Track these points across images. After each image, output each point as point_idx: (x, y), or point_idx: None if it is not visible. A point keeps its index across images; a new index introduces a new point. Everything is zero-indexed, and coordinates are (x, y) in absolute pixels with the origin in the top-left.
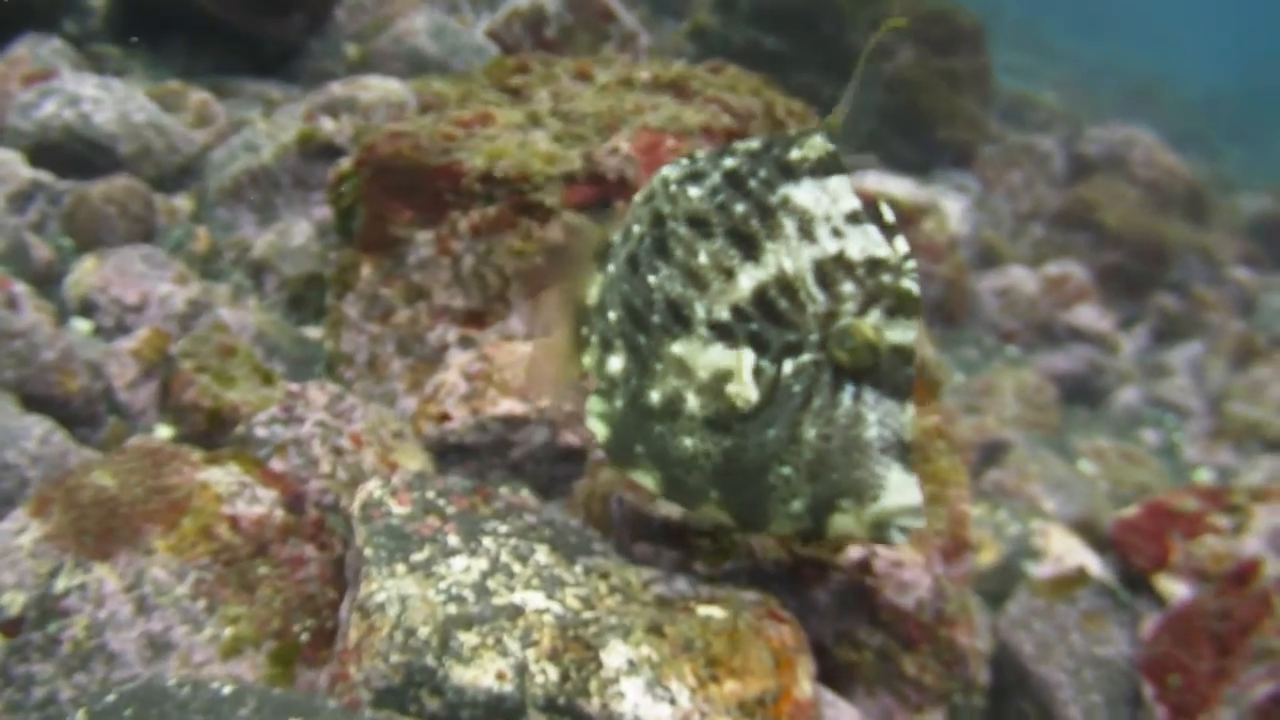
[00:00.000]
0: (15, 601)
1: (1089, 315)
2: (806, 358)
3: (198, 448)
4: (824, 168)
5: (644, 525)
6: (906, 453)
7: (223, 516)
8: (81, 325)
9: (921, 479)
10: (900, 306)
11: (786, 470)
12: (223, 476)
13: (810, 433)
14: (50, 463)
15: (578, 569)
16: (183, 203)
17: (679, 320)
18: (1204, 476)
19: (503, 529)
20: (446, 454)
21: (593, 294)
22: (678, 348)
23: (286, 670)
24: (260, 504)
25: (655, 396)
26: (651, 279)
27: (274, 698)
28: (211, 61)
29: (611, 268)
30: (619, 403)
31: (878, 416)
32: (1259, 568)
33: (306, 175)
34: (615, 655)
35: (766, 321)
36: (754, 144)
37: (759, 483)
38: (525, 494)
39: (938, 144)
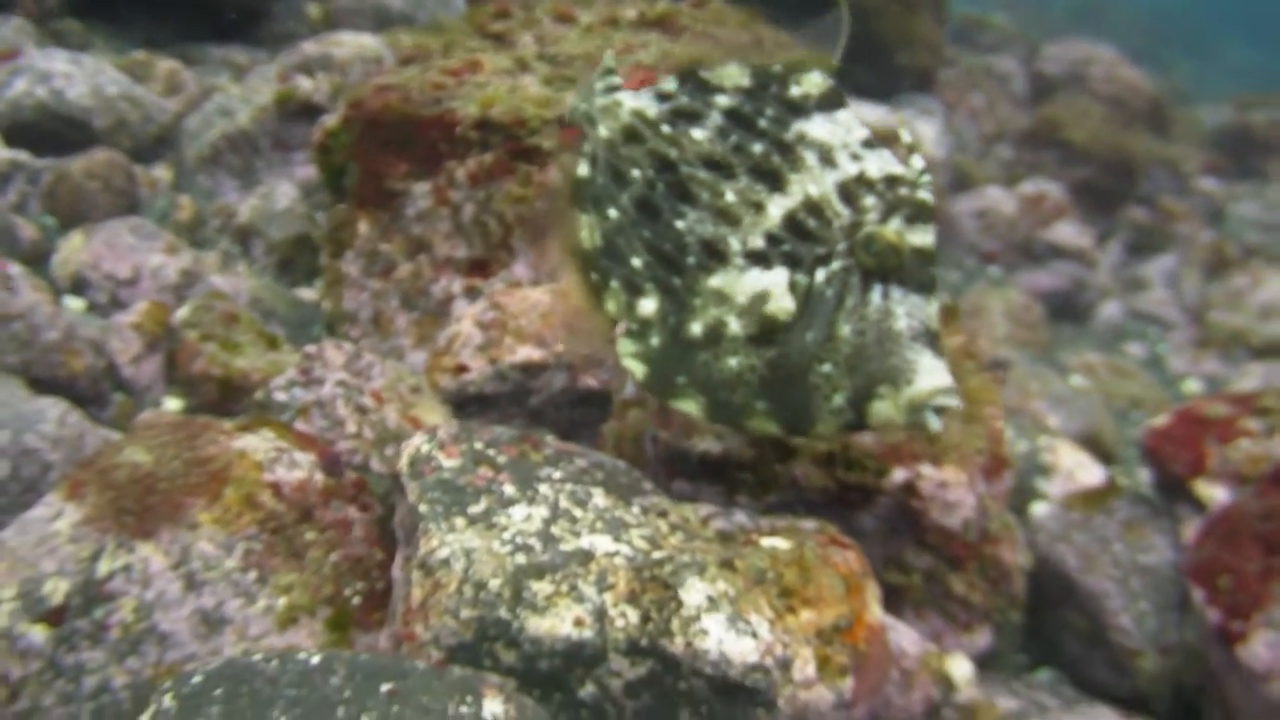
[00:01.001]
0: (58, 589)
1: (1068, 232)
2: (836, 265)
3: (213, 417)
4: (829, 102)
5: (682, 462)
6: (935, 340)
7: (264, 484)
8: (74, 303)
9: None
10: (918, 214)
11: (827, 368)
12: (259, 444)
13: (845, 329)
14: (70, 444)
15: (635, 509)
16: (162, 172)
17: (715, 256)
18: (1192, 386)
19: (556, 474)
20: (465, 405)
21: (586, 238)
22: (715, 280)
23: (343, 636)
24: (300, 468)
25: (697, 328)
26: (680, 224)
27: (363, 664)
28: (173, 30)
29: (613, 213)
30: (655, 340)
31: (905, 310)
32: None
33: (286, 136)
34: (694, 593)
35: (798, 240)
36: (741, 79)
37: (803, 384)
38: (550, 438)
39: (897, 69)
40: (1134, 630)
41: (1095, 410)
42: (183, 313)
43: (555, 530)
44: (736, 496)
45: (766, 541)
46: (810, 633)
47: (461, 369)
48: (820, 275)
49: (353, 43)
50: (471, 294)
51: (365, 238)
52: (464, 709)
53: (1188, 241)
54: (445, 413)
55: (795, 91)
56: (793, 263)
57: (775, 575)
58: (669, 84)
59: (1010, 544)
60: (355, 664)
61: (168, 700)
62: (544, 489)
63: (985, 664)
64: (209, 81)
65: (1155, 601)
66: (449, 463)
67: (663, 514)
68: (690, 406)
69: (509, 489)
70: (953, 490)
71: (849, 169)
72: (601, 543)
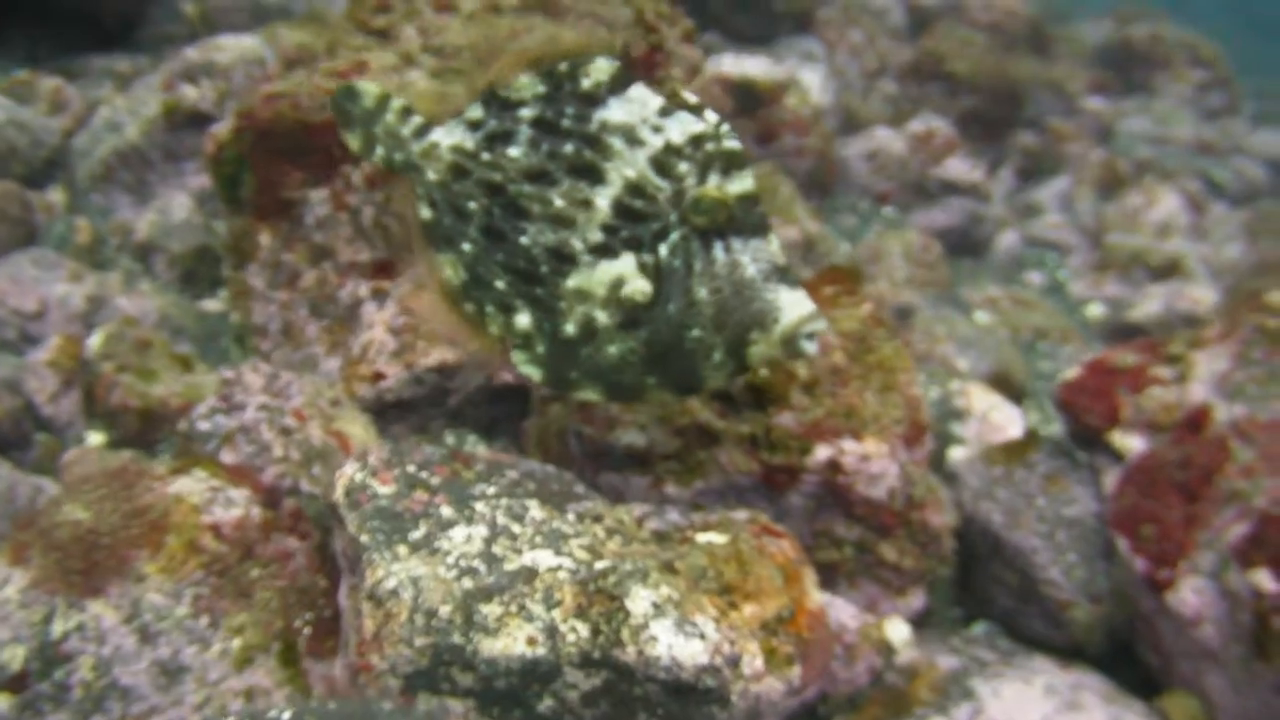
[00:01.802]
0: (16, 656)
1: (960, 167)
2: (675, 236)
3: (135, 450)
4: (619, 84)
5: (607, 455)
6: (786, 274)
7: (204, 527)
8: None
9: (869, 369)
10: (731, 163)
11: (696, 332)
12: (193, 485)
13: (702, 292)
14: (3, 499)
15: (570, 517)
16: (56, 196)
17: (563, 259)
18: (1095, 310)
19: (490, 490)
20: (385, 412)
21: (451, 275)
22: (571, 282)
23: (296, 670)
24: (237, 506)
25: (571, 329)
26: (524, 240)
27: (332, 713)
28: (52, 45)
29: (466, 246)
30: (540, 348)
31: (750, 256)
32: (1209, 413)
33: (176, 147)
34: (640, 601)
35: (631, 224)
36: (536, 88)
37: (680, 352)
38: (474, 440)
39: (776, 14)
40: (1064, 582)
41: (1002, 348)
42: (95, 344)
43: (496, 549)
44: (664, 486)
45: (702, 538)
46: (755, 626)
47: (379, 376)
48: (663, 250)
49: (234, 46)
50: (379, 296)
51: (267, 249)
52: None
53: (1079, 162)
54: (366, 421)
55: (586, 83)
56: (635, 246)
57: (715, 573)
58: (475, 111)
59: (936, 507)
60: (325, 715)
61: None
62: (480, 507)
63: (921, 623)
64: (93, 95)
65: (1082, 552)
66: (384, 490)
67: (598, 519)
68: (590, 394)
69: (446, 510)
70: (876, 462)
71: (654, 142)
72: (543, 558)
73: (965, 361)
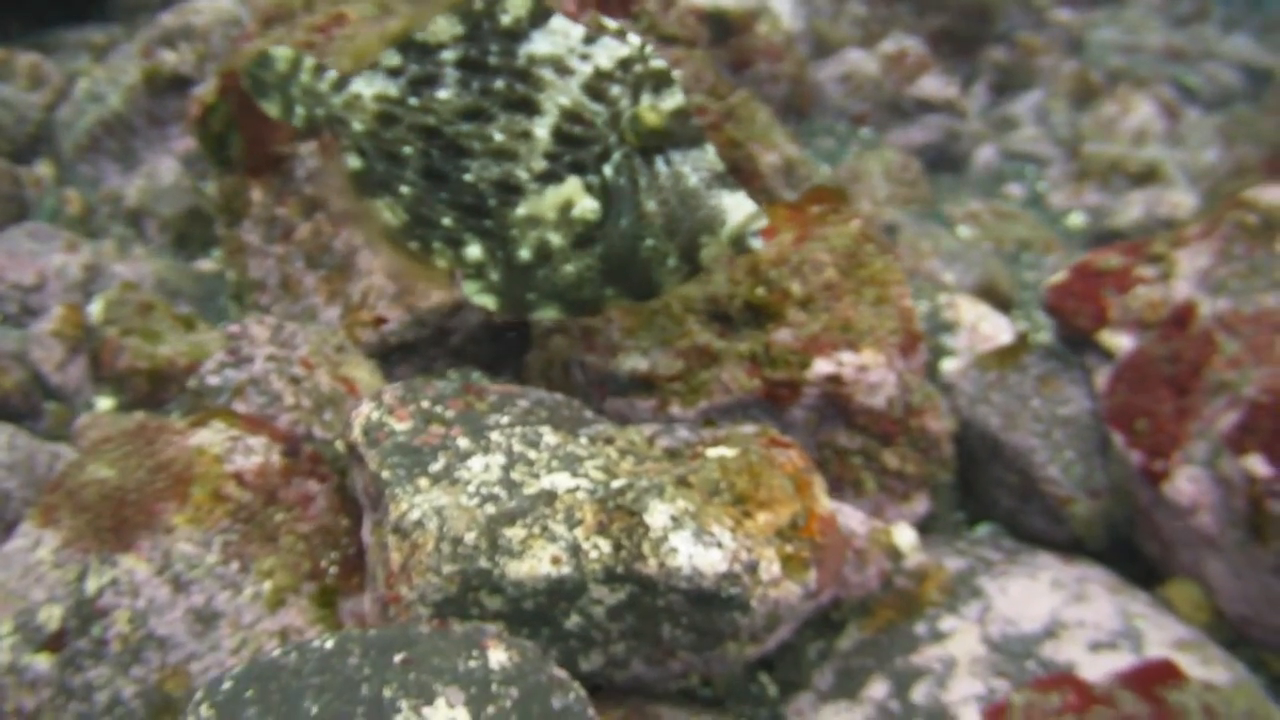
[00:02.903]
0: (53, 615)
1: (933, 85)
2: (617, 156)
3: (145, 411)
4: (538, 17)
5: (611, 382)
6: (726, 178)
7: (227, 476)
8: None
9: (861, 283)
10: (660, 81)
11: (650, 242)
12: (213, 437)
13: (650, 205)
14: (23, 468)
15: (583, 440)
16: (44, 169)
17: (510, 190)
18: (1076, 220)
19: (504, 420)
20: (389, 355)
21: (391, 217)
22: (521, 210)
23: (331, 610)
24: (256, 453)
25: (525, 254)
26: (468, 177)
27: (373, 639)
28: (24, 20)
29: (404, 189)
30: (494, 275)
31: (690, 166)
32: (1194, 308)
33: (159, 112)
34: (658, 515)
35: (572, 149)
36: (454, 29)
37: (637, 262)
38: (477, 376)
39: None
40: (1063, 479)
41: (987, 260)
42: (97, 310)
43: (515, 476)
44: (670, 408)
45: (713, 452)
46: (770, 534)
47: (380, 320)
48: (608, 170)
49: (209, 8)
50: None
51: (260, 204)
52: (473, 663)
53: (1051, 74)
54: (371, 366)
55: (505, 19)
56: (579, 169)
57: (728, 485)
58: (392, 58)
59: (934, 413)
60: (367, 641)
61: (204, 710)
62: (495, 436)
63: (926, 527)
64: (70, 67)
65: (1078, 449)
66: (401, 426)
67: (610, 441)
68: (550, 313)
69: (463, 442)
70: (873, 372)
71: (584, 69)
72: (561, 480)
73: (952, 275)
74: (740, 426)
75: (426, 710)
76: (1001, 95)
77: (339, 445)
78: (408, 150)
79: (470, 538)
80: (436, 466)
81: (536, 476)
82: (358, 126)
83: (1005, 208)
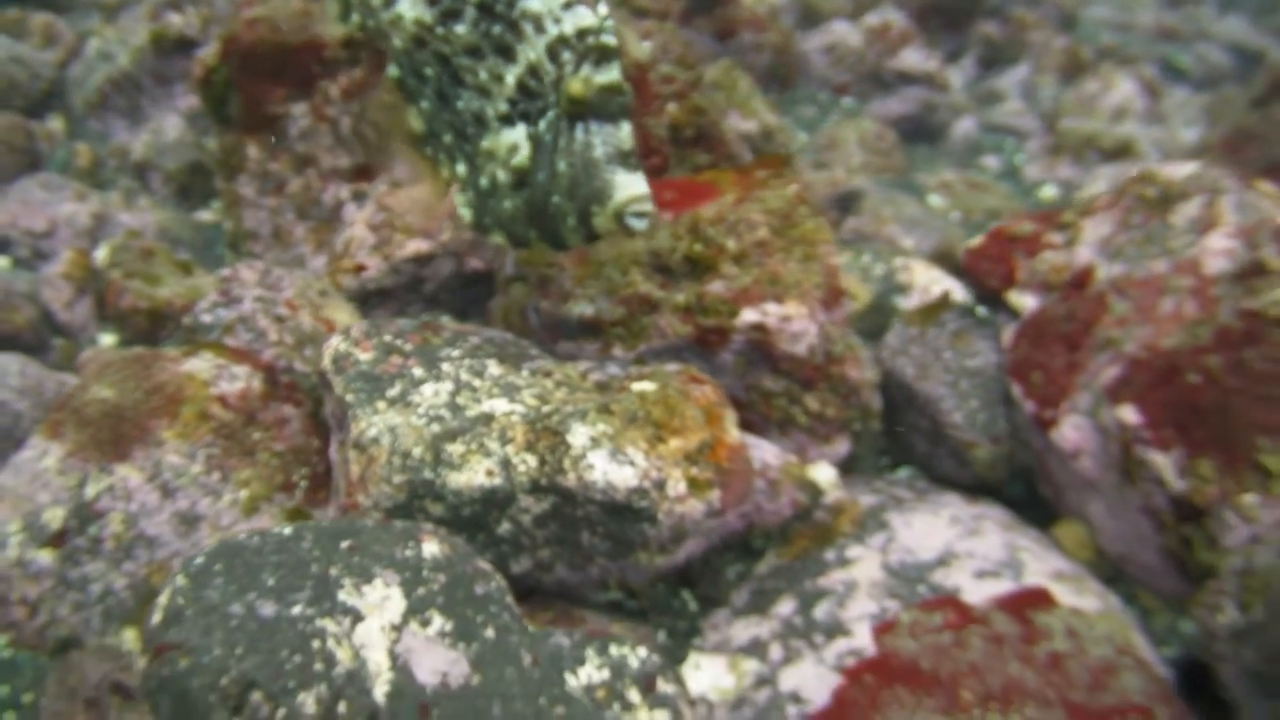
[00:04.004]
0: (56, 516)
1: (914, 58)
2: (551, 115)
3: (146, 345)
4: None
5: (562, 326)
6: (628, 159)
7: (213, 398)
8: (1, 262)
9: (792, 242)
10: (603, 56)
11: (557, 198)
12: (202, 365)
13: (561, 165)
14: (34, 393)
15: (524, 373)
16: (56, 124)
17: (480, 124)
18: (1048, 193)
19: (455, 353)
20: (368, 299)
21: (416, 124)
22: (485, 143)
23: (300, 518)
24: (240, 380)
25: (484, 182)
26: (460, 104)
27: (325, 528)
28: None
29: (425, 104)
30: (469, 194)
31: (601, 139)
32: (1092, 272)
33: (166, 71)
34: (579, 435)
35: (527, 100)
36: None
37: (547, 213)
38: (446, 320)
39: None
40: (967, 425)
41: (946, 228)
42: (103, 255)
43: (460, 400)
44: (612, 350)
45: (636, 386)
46: (679, 457)
47: (360, 268)
48: (542, 125)
49: None
50: (359, 198)
51: (255, 160)
52: (408, 552)
53: (1041, 50)
54: (351, 309)
55: None
56: (527, 119)
57: (645, 413)
58: None
59: (855, 362)
60: (319, 530)
61: (180, 579)
62: (446, 367)
63: (850, 469)
64: (82, 27)
65: (983, 399)
66: (365, 356)
67: (548, 374)
68: (498, 239)
69: (418, 371)
70: (796, 322)
71: (552, 31)
72: (500, 405)
73: (910, 240)
74: (666, 365)
75: (365, 587)
76: (989, 69)
77: (314, 375)
78: (429, 72)
79: (417, 452)
80: (393, 391)
81: (478, 401)
82: (397, 43)
83: (978, 178)
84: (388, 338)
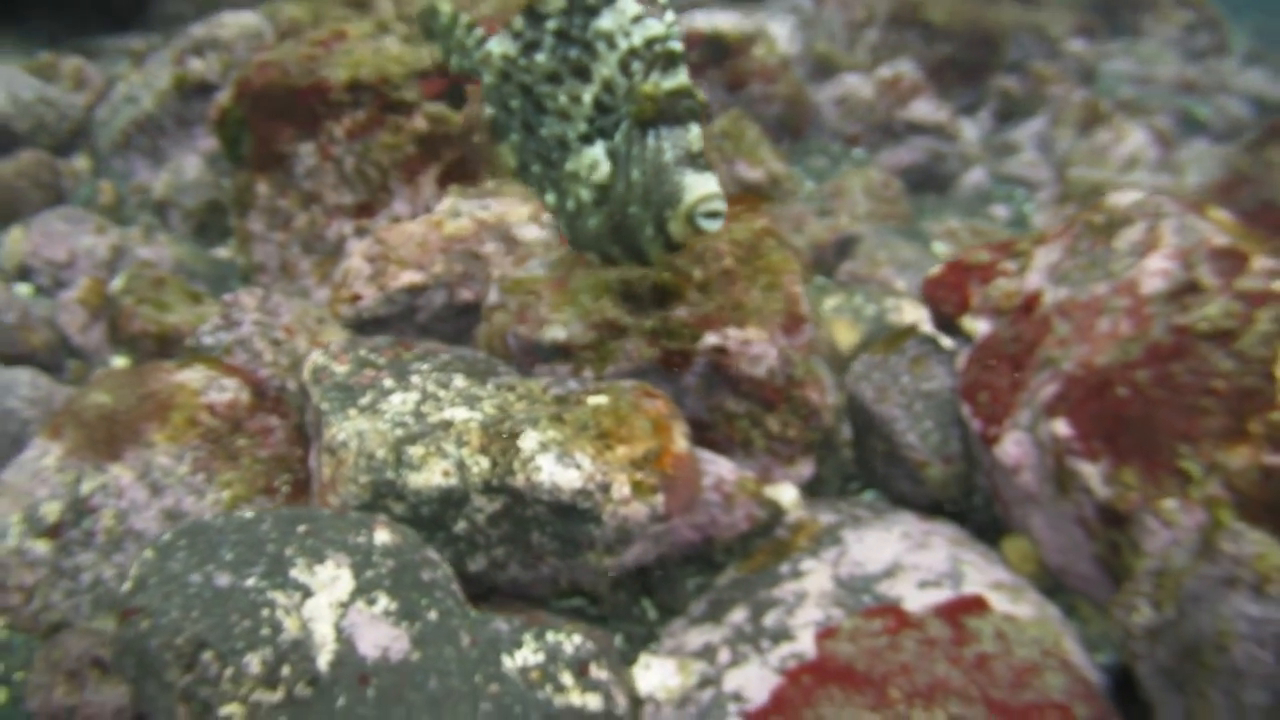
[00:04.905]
0: (52, 510)
1: (924, 108)
2: (624, 125)
3: None
4: None
5: (538, 350)
6: (697, 160)
7: (202, 406)
8: (23, 289)
9: (756, 271)
10: (670, 62)
11: (634, 208)
12: (194, 376)
13: (635, 173)
14: (43, 403)
15: (489, 387)
16: (81, 162)
17: (564, 147)
18: None
19: (425, 367)
20: (364, 328)
21: (510, 161)
22: (569, 165)
23: None
24: (228, 391)
25: (570, 204)
26: (544, 131)
27: (284, 513)
28: (72, 26)
29: (514, 137)
30: (562, 219)
31: (670, 143)
32: (1040, 296)
33: (186, 114)
34: (529, 440)
35: (604, 116)
36: (560, 2)
37: (626, 225)
38: (423, 343)
39: None
40: (920, 445)
41: None
42: (117, 283)
43: (424, 409)
44: (583, 371)
45: (592, 400)
46: (625, 463)
47: (356, 298)
48: (617, 137)
49: (234, 22)
50: (361, 233)
51: (265, 197)
52: (361, 538)
53: (1061, 103)
54: (347, 336)
55: None
56: (604, 135)
57: (596, 423)
58: (519, 23)
59: (816, 386)
60: (279, 514)
61: (148, 553)
62: (415, 379)
63: (815, 491)
64: (112, 71)
65: (936, 420)
66: (340, 368)
67: (511, 388)
68: (593, 257)
69: (388, 382)
70: (756, 345)
71: (623, 45)
72: (460, 413)
73: (903, 282)
74: (623, 382)
75: (317, 567)
76: (1006, 122)
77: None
78: (514, 104)
79: (381, 454)
80: (365, 400)
81: (441, 409)
82: (488, 79)
83: (983, 226)
84: (363, 352)
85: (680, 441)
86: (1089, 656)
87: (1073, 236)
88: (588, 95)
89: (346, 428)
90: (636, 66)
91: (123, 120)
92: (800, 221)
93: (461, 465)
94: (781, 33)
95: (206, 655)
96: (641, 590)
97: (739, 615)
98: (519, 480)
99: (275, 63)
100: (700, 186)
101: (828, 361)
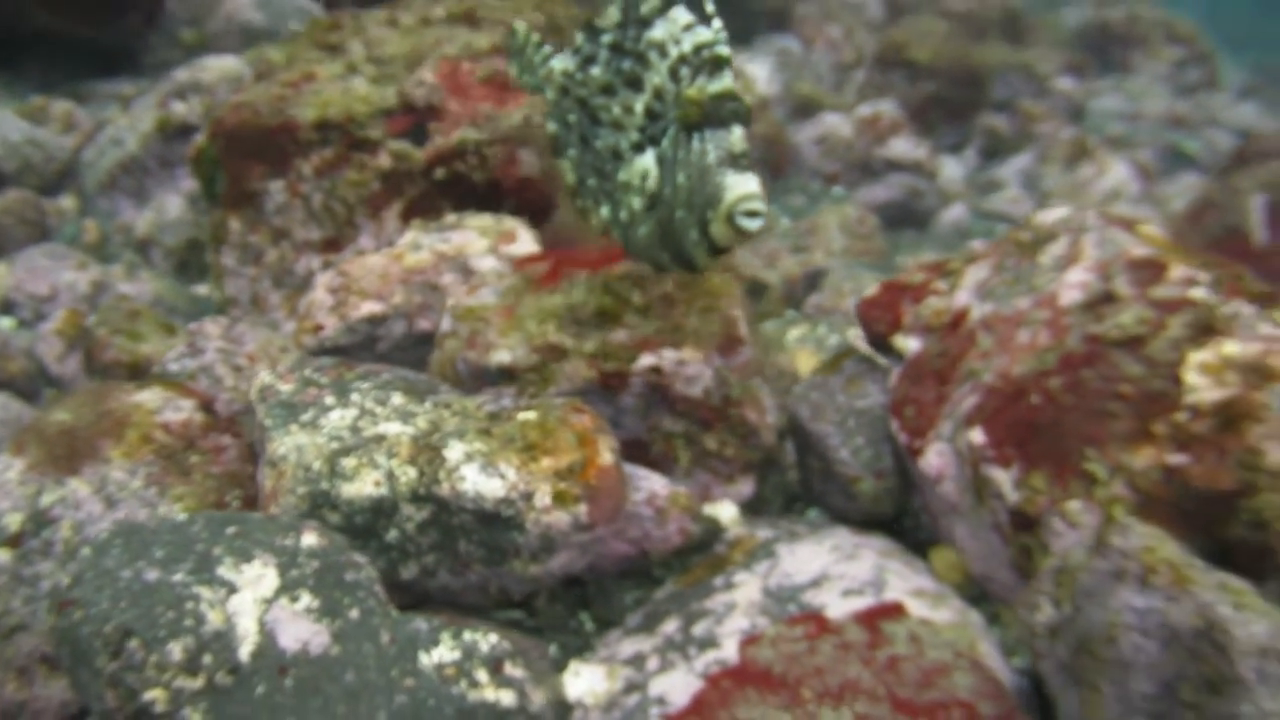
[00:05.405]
0: (14, 521)
1: (903, 146)
2: (671, 130)
3: None
4: (666, 6)
5: (485, 374)
6: (739, 161)
7: (157, 424)
8: (6, 321)
9: (695, 295)
10: (716, 66)
11: (680, 212)
12: (151, 396)
13: (680, 177)
14: (13, 424)
15: (426, 404)
16: (67, 202)
17: (618, 158)
18: None
19: (365, 385)
20: (325, 357)
21: (568, 177)
22: (621, 176)
23: None
24: (183, 411)
25: (624, 215)
26: (599, 143)
27: (216, 516)
28: (65, 71)
29: (572, 152)
30: (616, 231)
31: (713, 145)
32: (967, 313)
33: (169, 155)
34: (454, 451)
35: (654, 123)
36: (615, 16)
37: (673, 230)
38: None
39: (753, 13)
40: (852, 461)
41: None
42: (95, 316)
43: (361, 424)
44: (526, 393)
45: (521, 415)
46: (549, 474)
47: (319, 328)
48: (665, 142)
49: (216, 66)
50: (328, 268)
51: (236, 233)
52: (288, 540)
53: (1048, 140)
54: None
55: (644, 9)
56: (655, 142)
57: (522, 436)
58: (579, 39)
59: (754, 406)
60: (210, 517)
61: (86, 551)
62: (355, 396)
63: (760, 510)
64: (101, 115)
65: (868, 436)
66: (285, 387)
67: (447, 405)
68: (646, 263)
69: (329, 399)
70: (691, 366)
71: (673, 53)
72: (394, 427)
73: None
74: (554, 399)
75: (244, 565)
76: (991, 160)
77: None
78: (572, 118)
79: (317, 465)
80: (306, 417)
81: (376, 424)
82: (550, 95)
83: None
84: (308, 372)
85: (606, 455)
86: (1005, 660)
87: (1001, 254)
88: (639, 105)
89: (287, 442)
90: (685, 72)
91: (109, 161)
92: (774, 257)
93: (391, 475)
94: (761, 74)
95: (133, 643)
96: (579, 603)
97: (671, 626)
98: (444, 489)
99: (247, 103)
100: (740, 186)
101: (771, 384)
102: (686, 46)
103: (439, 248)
